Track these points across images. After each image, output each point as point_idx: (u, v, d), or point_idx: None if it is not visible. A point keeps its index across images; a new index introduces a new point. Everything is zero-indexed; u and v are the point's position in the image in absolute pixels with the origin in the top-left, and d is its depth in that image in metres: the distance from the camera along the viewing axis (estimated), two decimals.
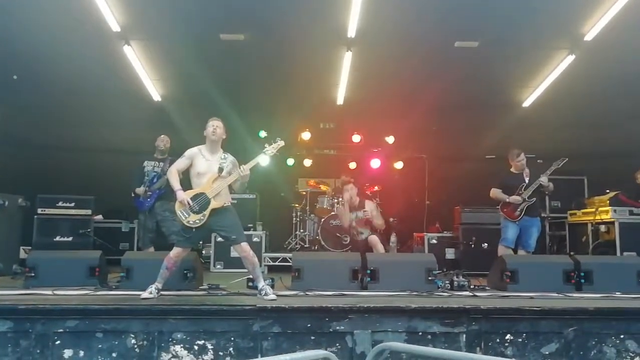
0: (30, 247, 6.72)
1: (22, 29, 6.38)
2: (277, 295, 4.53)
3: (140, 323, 4.09)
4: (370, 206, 6.63)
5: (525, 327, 4.22)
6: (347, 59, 7.29)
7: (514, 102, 8.67)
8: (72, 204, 7.09)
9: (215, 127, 4.65)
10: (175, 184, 4.61)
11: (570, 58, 7.24)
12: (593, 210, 7.03)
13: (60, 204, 7.05)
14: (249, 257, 4.61)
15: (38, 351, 4.02)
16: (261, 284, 4.55)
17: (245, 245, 4.63)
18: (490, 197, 6.28)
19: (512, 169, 6.27)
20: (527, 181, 6.06)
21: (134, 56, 7.06)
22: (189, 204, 4.49)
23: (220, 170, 4.60)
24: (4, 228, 6.49)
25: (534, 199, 6.00)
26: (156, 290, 4.48)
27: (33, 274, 5.05)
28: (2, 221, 6.46)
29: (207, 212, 4.50)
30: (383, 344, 2.67)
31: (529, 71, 7.88)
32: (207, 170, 4.62)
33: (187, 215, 4.51)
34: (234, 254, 6.77)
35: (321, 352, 2.15)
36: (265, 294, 4.44)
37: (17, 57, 6.96)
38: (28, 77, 7.38)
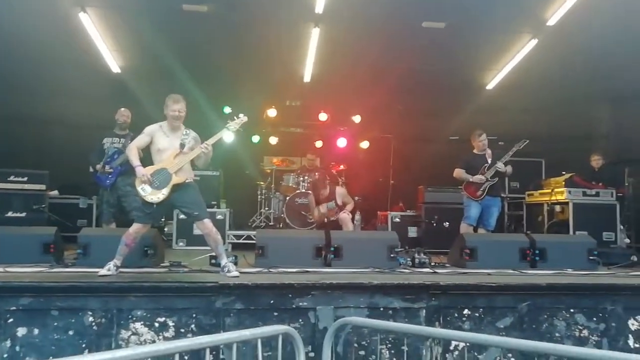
0: None
1: None
2: (241, 273, 4.50)
3: (98, 301, 3.98)
4: (340, 194, 6.76)
5: (482, 302, 4.36)
6: (314, 36, 7.20)
7: (478, 85, 8.82)
8: (25, 179, 6.77)
9: (178, 111, 4.52)
10: (135, 160, 4.49)
11: (533, 42, 7.39)
12: (549, 191, 7.28)
13: (12, 178, 6.72)
14: (211, 234, 4.55)
15: None
16: (224, 261, 4.51)
17: (207, 222, 4.56)
18: (454, 177, 6.40)
19: (475, 150, 6.39)
20: (489, 162, 6.20)
21: (91, 24, 6.73)
22: (149, 179, 4.37)
23: (182, 146, 4.49)
24: None
25: (496, 179, 6.15)
26: (115, 267, 4.37)
27: None
28: None
29: (168, 188, 4.39)
30: (343, 318, 2.69)
31: (493, 54, 8.02)
32: (169, 147, 4.50)
33: (147, 191, 4.39)
34: (196, 231, 6.63)
35: (282, 327, 2.15)
36: (228, 271, 4.40)
37: None
38: None
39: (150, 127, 4.58)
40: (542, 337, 4.31)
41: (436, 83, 8.54)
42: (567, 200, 6.94)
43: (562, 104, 8.63)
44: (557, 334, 4.40)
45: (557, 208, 7.06)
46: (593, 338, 4.43)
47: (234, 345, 1.94)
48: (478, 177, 6.12)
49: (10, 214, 6.61)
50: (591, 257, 5.43)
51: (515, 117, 8.94)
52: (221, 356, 3.86)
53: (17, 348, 3.86)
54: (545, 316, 4.42)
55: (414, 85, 8.51)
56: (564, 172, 7.50)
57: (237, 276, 4.35)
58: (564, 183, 7.15)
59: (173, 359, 1.66)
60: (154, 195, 4.38)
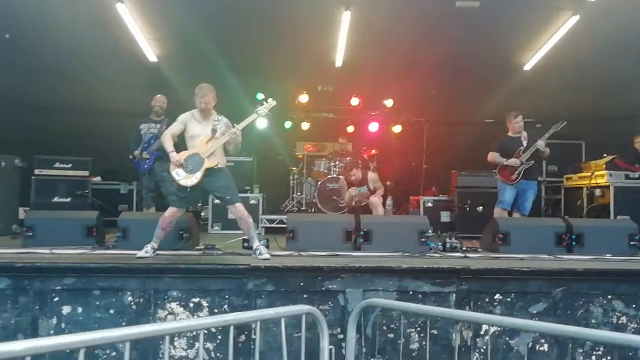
0: (29, 208, 6.78)
1: None
2: (272, 256, 4.60)
3: (137, 281, 4.18)
4: (372, 179, 6.76)
5: (514, 287, 4.30)
6: (345, 19, 7.12)
7: (515, 65, 8.52)
8: (69, 165, 7.11)
9: (205, 103, 4.63)
10: (169, 146, 4.66)
11: (574, 19, 7.07)
12: (589, 174, 7.02)
13: (57, 165, 7.08)
14: (243, 217, 4.66)
15: (37, 307, 4.12)
16: (256, 244, 4.62)
17: (239, 205, 4.68)
18: (488, 161, 6.26)
19: (510, 132, 6.23)
20: (524, 144, 6.03)
21: (128, 14, 6.90)
22: (182, 164, 4.51)
23: (214, 131, 4.60)
24: (1, 188, 6.53)
25: (532, 162, 5.98)
26: (152, 250, 4.55)
27: (31, 234, 5.12)
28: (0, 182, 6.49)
29: (200, 172, 4.52)
30: (366, 300, 2.73)
31: (531, 33, 7.70)
32: (201, 133, 4.63)
33: (181, 176, 4.53)
34: (231, 215, 6.80)
35: (305, 307, 2.20)
36: (260, 254, 4.51)
37: (8, 16, 6.81)
38: (20, 36, 7.24)
39: (183, 115, 4.73)
40: (578, 323, 4.23)
41: (470, 65, 8.32)
42: (608, 183, 6.67)
43: (603, 84, 8.26)
44: (593, 321, 4.31)
45: (597, 192, 6.81)
46: (632, 325, 4.31)
47: (257, 323, 2.01)
48: (513, 161, 5.97)
49: (56, 199, 6.97)
50: (632, 243, 5.22)
51: (554, 98, 8.64)
52: (253, 336, 3.99)
53: (63, 325, 4.11)
54: (581, 302, 4.33)
55: (447, 68, 8.33)
56: (605, 155, 7.20)
57: (268, 259, 4.45)
58: (604, 166, 6.88)
59: (198, 335, 1.74)
60: (187, 179, 4.53)
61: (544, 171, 8.09)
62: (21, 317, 4.11)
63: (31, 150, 7.18)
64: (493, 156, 6.15)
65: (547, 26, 7.44)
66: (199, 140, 4.60)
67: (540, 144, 5.91)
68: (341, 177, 7.22)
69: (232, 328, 1.91)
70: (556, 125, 5.99)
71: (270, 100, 4.80)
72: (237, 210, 4.67)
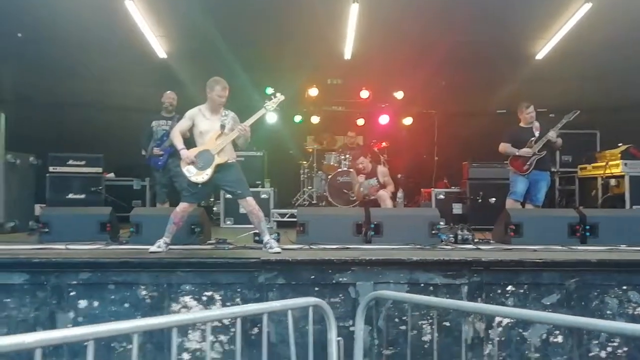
0: (45, 205, 6.90)
1: None
2: (283, 249, 4.62)
3: (150, 275, 4.22)
4: (382, 172, 6.75)
5: (526, 278, 4.26)
6: (353, 12, 7.08)
7: (527, 55, 8.40)
8: (83, 162, 7.21)
9: (224, 98, 4.64)
10: (179, 144, 4.67)
11: (587, 6, 6.94)
12: (603, 164, 6.92)
13: (70, 162, 7.18)
14: (254, 211, 4.69)
15: (54, 302, 4.19)
16: (266, 237, 4.64)
17: (250, 199, 4.71)
18: (499, 152, 6.20)
19: (522, 123, 6.15)
20: (536, 135, 5.96)
21: (137, 11, 6.94)
22: (193, 161, 4.55)
23: (222, 127, 4.61)
24: (17, 186, 6.65)
25: (544, 152, 5.91)
26: (164, 244, 4.60)
27: (47, 230, 5.20)
28: (15, 179, 6.60)
29: (211, 168, 4.55)
30: (374, 292, 2.73)
31: (543, 21, 7.59)
32: (210, 129, 4.65)
33: (192, 172, 4.57)
34: (243, 210, 6.85)
35: (312, 299, 2.21)
36: (270, 248, 4.54)
37: (21, 15, 6.90)
38: (32, 34, 7.34)
39: (190, 111, 4.73)
40: (592, 314, 4.18)
41: (481, 55, 8.22)
42: (623, 173, 6.58)
43: (617, 72, 8.10)
44: (608, 312, 4.25)
45: (612, 182, 6.71)
46: None
47: (264, 316, 2.03)
48: (525, 151, 5.91)
49: (70, 195, 7.09)
50: None
51: (567, 88, 8.52)
52: (266, 329, 4.02)
53: (80, 319, 4.17)
54: (596, 293, 4.27)
55: (458, 59, 8.24)
56: (620, 144, 7.09)
57: (279, 252, 4.47)
58: (619, 155, 6.77)
59: (205, 329, 1.76)
60: (198, 176, 4.56)
61: (558, 161, 7.99)
62: (39, 311, 4.18)
63: (45, 147, 7.30)
64: (504, 147, 6.09)
65: (560, 14, 7.32)
66: (209, 137, 4.62)
67: (552, 134, 5.83)
68: (352, 170, 7.23)
69: (239, 320, 1.93)
70: (568, 115, 5.91)
71: (278, 95, 4.80)
72: (248, 204, 4.69)
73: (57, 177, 7.13)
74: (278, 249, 4.53)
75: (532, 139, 5.96)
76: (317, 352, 2.53)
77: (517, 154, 5.96)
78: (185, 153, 4.59)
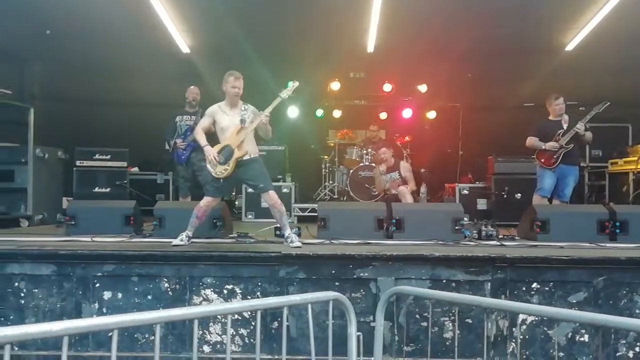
0: (72, 198, 7.07)
1: None
2: (303, 244, 4.62)
3: (172, 268, 4.28)
4: (404, 167, 6.70)
5: (552, 276, 4.16)
6: (376, 4, 7.00)
7: (557, 46, 8.16)
8: (108, 157, 7.36)
9: (238, 89, 4.66)
10: (202, 141, 4.74)
11: None
12: (636, 158, 6.68)
13: (97, 156, 7.35)
14: (276, 205, 4.70)
15: (80, 292, 4.30)
16: (287, 232, 4.65)
17: (272, 193, 4.72)
18: (527, 146, 6.05)
19: (550, 116, 5.98)
20: (564, 127, 5.79)
21: (160, 6, 7.01)
22: (215, 158, 4.58)
23: (243, 121, 4.63)
24: (46, 179, 6.83)
25: (572, 145, 5.74)
26: (187, 238, 4.66)
27: (73, 223, 5.33)
28: (44, 173, 6.78)
29: (231, 162, 4.57)
30: (394, 287, 2.70)
31: (574, 11, 7.34)
32: (230, 124, 4.68)
33: (214, 168, 4.61)
34: (264, 204, 6.88)
35: (332, 294, 2.19)
36: (291, 242, 4.54)
37: (49, 13, 7.06)
38: (60, 31, 7.50)
39: (210, 109, 4.78)
40: (621, 313, 4.04)
41: (508, 47, 8.04)
42: None
43: None
44: (637, 311, 4.12)
45: None
46: None
47: (284, 309, 2.03)
48: (551, 144, 5.75)
49: (96, 189, 7.25)
50: None
51: (598, 80, 8.25)
52: (286, 323, 4.04)
53: (104, 310, 4.27)
54: (625, 292, 4.14)
55: (484, 51, 8.07)
56: None
57: (300, 247, 4.47)
58: None
59: (226, 321, 1.76)
60: (220, 171, 4.60)
61: (587, 156, 7.75)
62: (65, 301, 4.30)
63: (72, 142, 7.47)
64: (532, 140, 5.94)
65: (591, 3, 7.08)
66: (230, 132, 4.66)
67: (580, 126, 5.65)
68: (374, 164, 7.19)
69: (259, 313, 1.93)
70: (598, 107, 5.71)
71: (294, 82, 4.77)
72: (270, 198, 4.71)
73: (84, 171, 7.31)
74: (299, 244, 4.53)
75: (560, 131, 5.79)
76: (337, 347, 2.52)
77: (543, 147, 5.80)
78: (209, 150, 4.65)
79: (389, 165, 6.69)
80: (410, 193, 6.48)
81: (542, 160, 5.83)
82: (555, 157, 5.73)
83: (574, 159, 5.84)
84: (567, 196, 5.81)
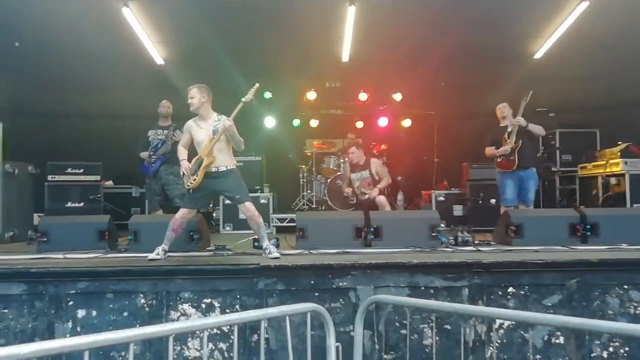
0: (43, 214, 6.88)
1: None
2: (282, 255, 4.59)
3: (148, 283, 4.20)
4: (375, 164, 6.66)
5: (527, 280, 4.24)
6: (350, 14, 7.08)
7: (525, 55, 8.38)
8: (81, 171, 7.21)
9: (190, 98, 4.63)
10: (180, 155, 4.73)
11: (584, 5, 6.93)
12: (604, 162, 6.89)
13: (69, 170, 7.18)
14: (253, 217, 4.67)
15: (52, 312, 4.17)
16: (265, 243, 4.62)
17: (249, 205, 4.69)
18: (487, 157, 6.22)
19: (500, 124, 6.17)
20: (509, 129, 5.95)
21: (134, 18, 6.95)
22: (188, 169, 4.60)
23: (215, 132, 4.61)
24: (16, 195, 6.63)
25: (520, 141, 5.85)
26: (163, 252, 4.58)
27: (45, 239, 5.19)
28: (14, 189, 6.59)
29: (200, 172, 4.56)
30: (372, 297, 2.71)
31: (541, 20, 7.57)
32: (205, 137, 4.66)
33: (187, 179, 4.59)
34: (242, 216, 6.82)
35: (310, 305, 2.19)
36: (269, 253, 4.51)
37: (17, 24, 6.91)
38: (29, 43, 7.34)
39: (187, 124, 4.78)
40: (594, 314, 4.15)
41: (480, 56, 8.20)
42: (623, 171, 6.55)
43: (617, 71, 8.08)
44: (609, 312, 4.22)
45: (613, 180, 6.68)
46: None
47: (262, 322, 2.01)
48: (502, 149, 5.91)
49: (69, 204, 7.08)
50: None
51: (566, 87, 8.50)
52: (265, 335, 4.00)
53: (78, 328, 4.15)
54: (597, 293, 4.24)
55: (456, 59, 8.22)
56: (619, 142, 7.07)
57: (278, 257, 4.44)
58: (619, 154, 6.75)
59: (202, 337, 1.74)
60: (190, 181, 4.59)
61: (558, 161, 7.98)
62: (37, 321, 4.17)
63: (43, 157, 7.29)
64: (490, 150, 6.11)
65: (557, 13, 7.30)
66: (204, 145, 4.64)
67: (519, 119, 5.80)
68: (345, 161, 7.18)
69: (236, 327, 1.91)
70: (525, 98, 5.87)
71: (255, 84, 4.75)
72: (247, 210, 4.67)
73: (56, 186, 7.13)
74: (277, 255, 4.50)
75: (506, 134, 5.96)
76: (317, 358, 2.51)
77: (497, 153, 5.94)
78: (185, 163, 4.65)
79: (359, 163, 6.63)
80: (387, 190, 6.50)
81: (502, 165, 5.96)
82: (512, 158, 5.85)
83: (529, 161, 5.95)
84: (530, 200, 5.96)
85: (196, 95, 4.62)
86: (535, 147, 6.21)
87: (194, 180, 4.55)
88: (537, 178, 6.06)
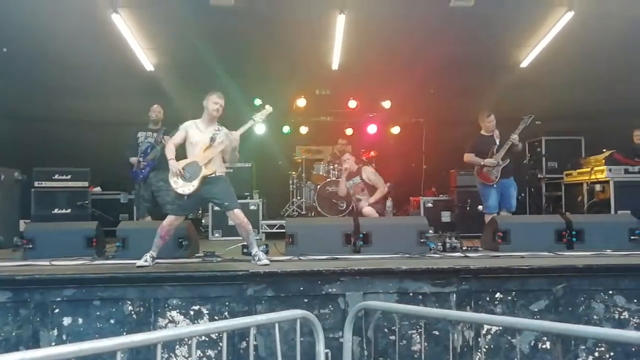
0: (30, 220, 6.80)
1: (7, 1, 6.28)
2: (271, 261, 4.59)
3: (136, 290, 4.17)
4: (367, 172, 6.71)
5: (514, 285, 4.28)
6: (340, 22, 7.14)
7: (512, 63, 8.52)
8: (69, 177, 7.14)
9: (220, 105, 4.67)
10: (169, 153, 4.66)
11: (569, 15, 7.06)
12: (589, 170, 7.00)
13: (56, 176, 7.10)
14: (242, 224, 4.67)
15: (38, 319, 4.11)
16: (254, 250, 4.62)
17: (238, 212, 4.68)
18: (465, 162, 6.28)
19: (483, 131, 6.23)
20: (497, 142, 6.03)
21: (123, 24, 6.94)
22: (180, 172, 4.53)
23: (212, 140, 4.62)
24: (1, 201, 6.53)
25: (508, 160, 5.98)
26: (151, 258, 4.56)
27: (31, 246, 5.12)
28: (0, 195, 6.51)
29: (198, 180, 4.53)
30: (361, 303, 2.72)
31: (527, 30, 7.71)
32: (200, 140, 4.66)
33: (179, 184, 4.55)
34: (231, 222, 6.83)
35: (299, 312, 2.20)
36: (259, 260, 4.51)
37: (5, 30, 6.86)
38: (18, 49, 7.29)
39: (185, 123, 4.77)
40: (579, 320, 4.20)
41: (467, 64, 8.31)
42: (607, 178, 6.65)
43: (600, 79, 8.22)
44: (595, 317, 4.28)
45: (598, 187, 6.78)
46: (634, 320, 4.28)
47: (251, 329, 2.01)
48: (489, 161, 5.98)
49: (56, 210, 7.01)
50: (633, 237, 5.21)
51: (552, 95, 8.63)
52: (254, 342, 3.98)
53: (64, 337, 4.10)
54: (582, 298, 4.30)
55: (444, 68, 8.32)
56: (604, 150, 7.19)
57: (268, 264, 4.44)
58: (604, 161, 6.86)
59: (191, 344, 1.74)
60: (185, 187, 4.54)
61: (544, 168, 8.08)
62: (22, 329, 4.10)
63: (30, 162, 7.21)
64: (469, 157, 6.17)
65: (542, 23, 7.45)
66: (198, 148, 4.63)
67: (514, 137, 5.89)
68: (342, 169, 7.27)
69: (225, 335, 1.91)
70: (525, 120, 6.00)
71: (267, 107, 4.84)
72: (236, 217, 4.67)
73: (43, 192, 7.05)
74: (266, 261, 4.50)
75: (494, 147, 6.03)
76: None
77: (482, 163, 6.01)
78: (174, 164, 4.59)
79: (351, 170, 6.70)
80: (381, 197, 6.57)
81: (484, 177, 6.03)
82: (494, 173, 5.95)
83: (510, 172, 6.07)
84: (513, 206, 6.08)
85: (223, 103, 4.68)
86: (515, 160, 6.31)
87: (193, 187, 4.53)
88: (516, 185, 6.17)
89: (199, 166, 4.57)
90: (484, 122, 6.18)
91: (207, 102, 4.68)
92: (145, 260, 4.52)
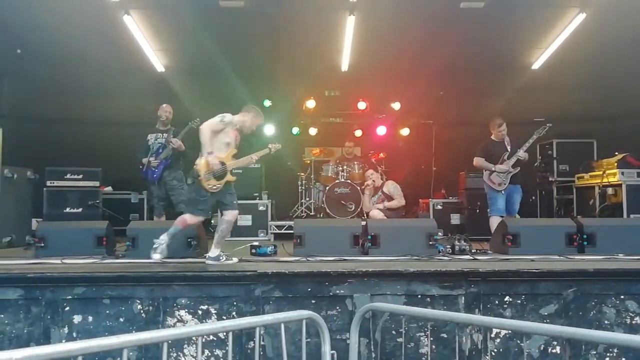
0: (42, 219, 6.88)
1: (22, 3, 6.38)
2: (279, 262, 4.63)
3: (145, 289, 4.19)
4: (389, 185, 6.92)
5: (524, 289, 4.24)
6: (350, 24, 7.15)
7: (523, 64, 8.47)
8: (80, 176, 7.21)
9: (255, 124, 4.87)
10: (208, 146, 4.59)
11: (581, 16, 7.00)
12: (601, 173, 6.92)
13: (68, 176, 7.18)
14: (230, 225, 4.79)
15: (49, 317, 4.16)
16: (217, 252, 4.68)
17: (236, 212, 4.83)
18: (474, 166, 6.26)
19: (493, 137, 6.21)
20: (509, 149, 6.01)
21: (135, 26, 7.01)
22: (215, 169, 4.60)
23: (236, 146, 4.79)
24: (14, 201, 6.64)
25: (518, 168, 5.99)
26: (165, 240, 4.67)
27: (42, 244, 5.18)
28: (12, 194, 6.59)
29: (222, 182, 4.64)
30: (368, 304, 2.71)
31: (539, 31, 7.66)
32: (232, 143, 4.75)
33: (209, 178, 4.60)
34: (240, 222, 6.87)
35: (305, 312, 2.20)
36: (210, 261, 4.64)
37: (19, 31, 6.97)
38: (31, 50, 7.41)
39: (230, 118, 4.71)
40: (590, 324, 4.15)
41: (478, 66, 8.29)
42: (620, 182, 6.57)
43: (613, 81, 8.15)
44: (606, 322, 4.22)
45: (610, 190, 6.70)
46: None
47: (257, 329, 2.02)
48: (500, 167, 5.97)
49: (68, 209, 7.08)
50: None
51: (564, 97, 8.57)
52: (261, 342, 3.99)
53: (74, 334, 4.14)
54: (593, 303, 4.24)
55: (454, 70, 8.31)
56: (616, 153, 7.10)
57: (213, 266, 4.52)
58: (616, 164, 6.77)
59: (197, 343, 1.75)
60: (213, 183, 4.61)
61: (555, 171, 8.01)
62: (33, 326, 4.15)
63: (43, 162, 7.30)
64: (479, 162, 6.15)
65: (554, 24, 7.40)
66: (229, 151, 4.71)
67: (521, 154, 5.94)
68: (350, 183, 7.34)
69: (231, 334, 1.92)
70: (539, 130, 6.02)
71: (278, 144, 5.12)
72: (233, 216, 4.78)
73: (55, 192, 7.13)
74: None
75: (505, 153, 6.01)
76: None
77: (493, 169, 5.99)
78: (212, 159, 4.59)
79: (376, 186, 6.95)
80: (396, 207, 6.80)
81: (494, 183, 6.01)
82: (504, 180, 5.96)
83: (517, 179, 6.07)
84: (516, 211, 6.13)
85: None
86: (526, 164, 6.29)
87: (219, 186, 4.61)
88: (521, 191, 6.18)
89: (227, 170, 4.68)
90: (495, 130, 6.17)
91: (248, 117, 4.78)
92: (160, 243, 4.65)
